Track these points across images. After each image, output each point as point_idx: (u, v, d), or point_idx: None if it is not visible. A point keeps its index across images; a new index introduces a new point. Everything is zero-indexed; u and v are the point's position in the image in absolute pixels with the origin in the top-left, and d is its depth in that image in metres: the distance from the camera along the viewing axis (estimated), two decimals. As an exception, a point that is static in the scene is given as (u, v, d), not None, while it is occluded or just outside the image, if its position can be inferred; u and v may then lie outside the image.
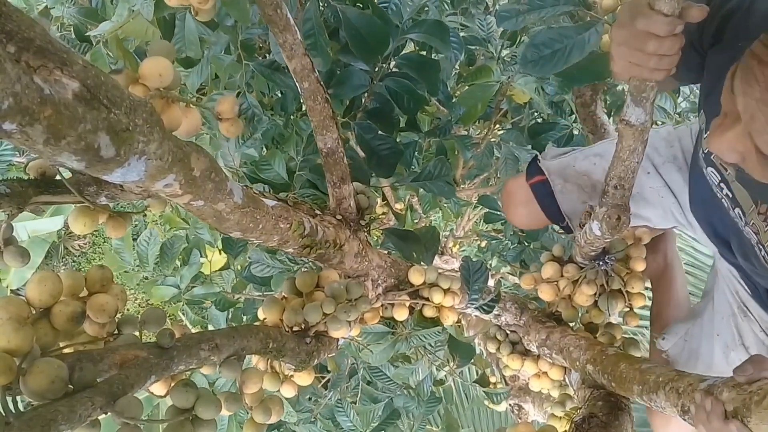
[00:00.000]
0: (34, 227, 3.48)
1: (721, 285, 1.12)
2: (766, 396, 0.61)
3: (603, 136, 1.63)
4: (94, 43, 1.41)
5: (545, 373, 1.20)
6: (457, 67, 1.70)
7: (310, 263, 1.14)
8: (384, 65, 1.25)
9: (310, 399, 1.41)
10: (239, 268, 1.58)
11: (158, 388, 0.75)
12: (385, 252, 1.17)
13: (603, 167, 1.10)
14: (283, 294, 1.01)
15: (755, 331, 1.05)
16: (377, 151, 1.21)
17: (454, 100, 1.60)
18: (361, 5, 1.37)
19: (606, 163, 1.10)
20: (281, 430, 1.45)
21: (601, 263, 1.11)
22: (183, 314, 1.70)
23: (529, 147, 1.68)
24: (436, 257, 2.31)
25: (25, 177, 0.74)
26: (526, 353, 1.24)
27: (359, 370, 1.37)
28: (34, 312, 0.63)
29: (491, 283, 1.23)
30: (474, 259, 1.16)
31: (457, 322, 1.73)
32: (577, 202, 1.19)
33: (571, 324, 1.17)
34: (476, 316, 1.33)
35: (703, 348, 1.14)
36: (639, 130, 0.81)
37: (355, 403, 1.37)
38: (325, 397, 1.38)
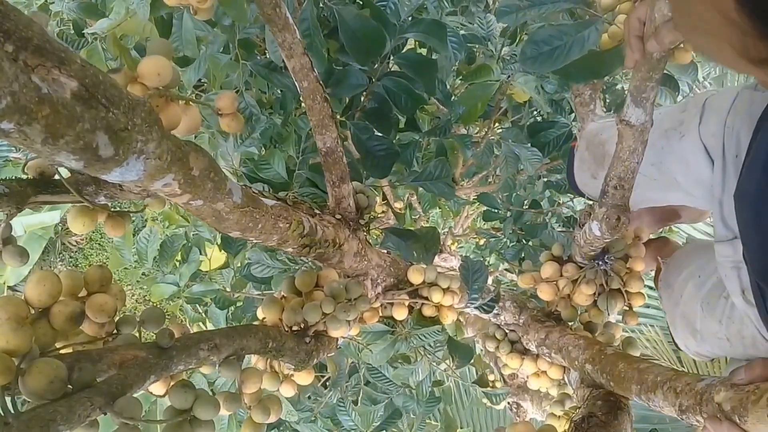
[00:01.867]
0: (30, 221, 3.48)
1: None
2: (763, 396, 0.61)
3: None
4: (91, 41, 1.41)
5: (544, 372, 1.20)
6: (456, 65, 1.70)
7: (310, 263, 1.14)
8: (382, 65, 1.24)
9: (309, 398, 1.41)
10: (239, 265, 1.58)
11: (157, 387, 0.75)
12: (385, 251, 1.17)
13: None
14: (282, 293, 1.01)
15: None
16: (373, 152, 1.20)
17: (453, 98, 1.60)
18: (361, 2, 1.36)
19: None
20: (281, 429, 1.45)
21: (600, 263, 1.11)
22: (182, 312, 1.70)
23: (529, 145, 1.68)
24: (435, 255, 2.30)
25: (24, 176, 0.74)
26: (525, 352, 1.24)
27: (360, 369, 1.37)
28: (33, 312, 0.63)
29: (489, 281, 1.23)
30: (473, 258, 1.16)
31: (455, 321, 1.73)
32: (588, 176, 1.18)
33: (570, 323, 1.17)
34: (475, 314, 1.33)
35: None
36: (639, 130, 0.81)
37: (356, 403, 1.37)
38: (326, 396, 1.38)
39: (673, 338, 1.18)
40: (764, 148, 0.75)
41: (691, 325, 1.09)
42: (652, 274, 1.31)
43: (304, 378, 0.98)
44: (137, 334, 0.72)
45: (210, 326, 1.66)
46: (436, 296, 1.10)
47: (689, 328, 1.10)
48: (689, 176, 1.00)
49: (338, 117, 1.27)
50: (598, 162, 1.15)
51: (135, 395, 0.58)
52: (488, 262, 2.50)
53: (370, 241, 1.14)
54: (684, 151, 0.99)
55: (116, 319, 0.72)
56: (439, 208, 2.67)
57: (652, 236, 1.26)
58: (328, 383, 1.42)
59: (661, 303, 1.21)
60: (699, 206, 1.17)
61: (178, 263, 1.60)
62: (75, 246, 5.57)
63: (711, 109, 0.96)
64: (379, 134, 1.22)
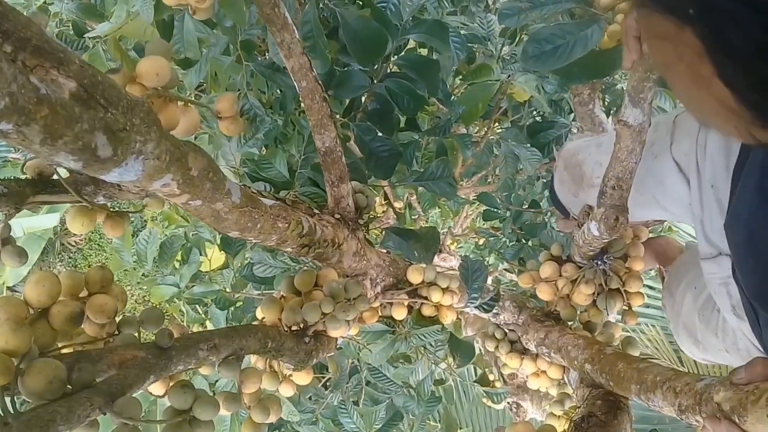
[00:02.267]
0: (30, 224, 3.48)
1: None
2: (762, 396, 0.61)
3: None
4: (91, 45, 1.41)
5: (544, 371, 1.20)
6: (456, 65, 1.70)
7: (310, 262, 1.14)
8: (384, 65, 1.25)
9: (310, 399, 1.41)
10: (239, 265, 1.58)
11: (157, 388, 0.75)
12: (384, 251, 1.17)
13: (596, 159, 1.10)
14: (281, 293, 1.01)
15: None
16: (376, 153, 1.21)
17: (453, 98, 1.60)
18: (361, 3, 1.36)
19: (599, 155, 1.10)
20: (282, 430, 1.44)
21: (599, 263, 1.11)
22: (183, 313, 1.70)
23: (529, 145, 1.68)
24: (434, 255, 2.30)
25: (22, 176, 0.74)
26: (524, 351, 1.24)
27: (362, 370, 1.37)
28: (32, 312, 0.63)
29: (489, 280, 1.23)
30: (472, 257, 1.16)
31: (455, 320, 1.73)
32: (569, 194, 1.18)
33: (569, 323, 1.17)
34: (474, 314, 1.33)
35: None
36: (637, 131, 0.81)
37: (357, 404, 1.37)
38: (327, 397, 1.38)
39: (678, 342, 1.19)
40: (756, 166, 0.75)
41: (693, 335, 1.09)
42: (652, 273, 1.32)
43: (303, 378, 0.98)
44: (137, 335, 0.72)
45: (210, 327, 1.66)
46: (436, 296, 1.10)
47: (692, 338, 1.11)
48: (666, 196, 1.01)
49: (340, 118, 1.28)
50: (577, 183, 1.15)
51: (134, 395, 0.58)
52: (488, 262, 2.50)
53: (371, 240, 1.14)
54: (659, 172, 0.99)
55: (118, 319, 0.72)
56: (439, 208, 2.67)
57: (651, 235, 1.27)
58: (328, 384, 1.42)
59: (665, 312, 1.21)
60: (680, 222, 1.18)
61: (177, 264, 1.60)
62: (74, 247, 5.57)
63: (681, 127, 0.96)
64: (382, 135, 1.23)
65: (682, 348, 1.18)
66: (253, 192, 0.85)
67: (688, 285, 1.11)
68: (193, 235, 1.68)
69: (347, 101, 1.34)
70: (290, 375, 0.98)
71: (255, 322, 1.00)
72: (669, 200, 1.01)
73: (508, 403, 1.76)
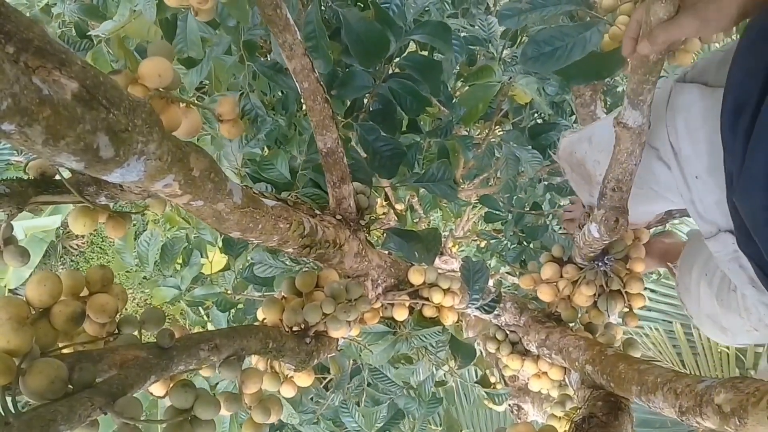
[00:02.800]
0: (31, 225, 3.49)
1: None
2: (763, 398, 0.61)
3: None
4: (95, 42, 1.42)
5: (545, 373, 1.19)
6: (457, 67, 1.71)
7: (311, 263, 1.14)
8: (387, 66, 1.25)
9: (312, 399, 1.41)
10: (240, 267, 1.58)
11: (158, 388, 0.75)
12: (385, 252, 1.17)
13: (593, 158, 1.09)
14: (282, 294, 1.01)
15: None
16: (379, 153, 1.21)
17: (454, 100, 1.61)
18: (362, 6, 1.37)
19: (594, 153, 1.09)
20: (284, 430, 1.44)
21: (600, 264, 1.11)
22: (184, 315, 1.70)
23: (530, 147, 1.68)
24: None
25: (25, 176, 0.74)
26: (525, 353, 1.24)
27: (364, 370, 1.37)
28: (33, 312, 0.63)
29: (490, 283, 1.23)
30: (474, 260, 1.16)
31: (456, 322, 1.73)
32: (587, 195, 1.18)
33: (570, 324, 1.17)
34: (475, 316, 1.33)
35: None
36: (636, 132, 0.81)
37: (359, 404, 1.37)
38: (329, 397, 1.38)
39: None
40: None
41: (718, 323, 1.08)
42: (654, 276, 1.31)
43: (304, 379, 0.98)
44: (138, 335, 0.72)
45: (212, 329, 1.66)
46: (437, 297, 1.10)
47: (717, 327, 1.09)
48: (660, 184, 1.00)
49: (342, 119, 1.28)
50: (587, 181, 1.14)
51: (135, 395, 0.58)
52: (489, 265, 2.50)
53: (372, 242, 1.14)
54: (645, 161, 0.98)
55: (117, 319, 0.72)
56: (440, 210, 2.67)
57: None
58: (330, 385, 1.42)
59: (685, 309, 1.20)
60: (681, 207, 1.16)
61: (179, 266, 1.60)
62: (76, 249, 5.58)
63: (653, 114, 0.95)
64: (385, 135, 1.23)
65: (712, 339, 1.17)
66: (254, 193, 0.86)
67: (700, 273, 1.09)
68: (194, 237, 1.68)
69: (349, 102, 1.34)
70: (291, 376, 0.98)
71: (256, 323, 1.00)
72: (663, 188, 1.01)
73: (509, 404, 1.76)
